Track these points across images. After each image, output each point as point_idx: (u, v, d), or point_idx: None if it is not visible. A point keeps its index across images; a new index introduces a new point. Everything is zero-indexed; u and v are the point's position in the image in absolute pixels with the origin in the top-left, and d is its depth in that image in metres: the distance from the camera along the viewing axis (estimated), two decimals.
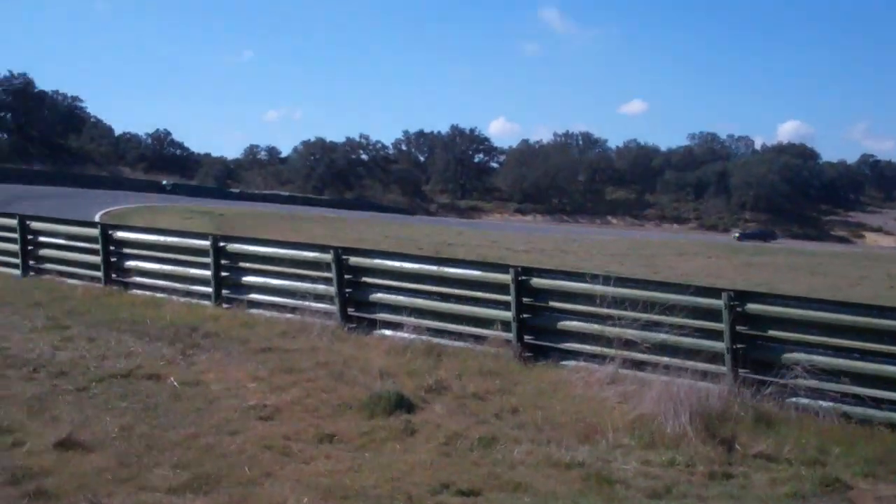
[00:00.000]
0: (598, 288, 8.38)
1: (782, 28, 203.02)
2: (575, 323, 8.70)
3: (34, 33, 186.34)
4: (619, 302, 8.22)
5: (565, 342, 8.75)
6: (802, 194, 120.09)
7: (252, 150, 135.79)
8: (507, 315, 8.99)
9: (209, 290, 11.46)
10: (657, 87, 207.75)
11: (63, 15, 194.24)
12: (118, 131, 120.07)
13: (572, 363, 8.55)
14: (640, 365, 8.07)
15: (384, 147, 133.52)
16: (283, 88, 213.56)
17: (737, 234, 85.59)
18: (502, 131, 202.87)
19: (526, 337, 8.98)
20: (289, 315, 10.42)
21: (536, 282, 8.97)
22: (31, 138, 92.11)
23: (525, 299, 8.97)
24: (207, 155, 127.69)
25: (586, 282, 8.59)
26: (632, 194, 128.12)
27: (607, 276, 8.49)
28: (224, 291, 11.42)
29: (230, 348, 8.74)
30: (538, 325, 9.00)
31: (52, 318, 9.86)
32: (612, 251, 38.78)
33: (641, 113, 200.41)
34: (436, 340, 9.27)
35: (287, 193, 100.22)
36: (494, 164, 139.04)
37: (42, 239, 13.86)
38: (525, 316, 8.97)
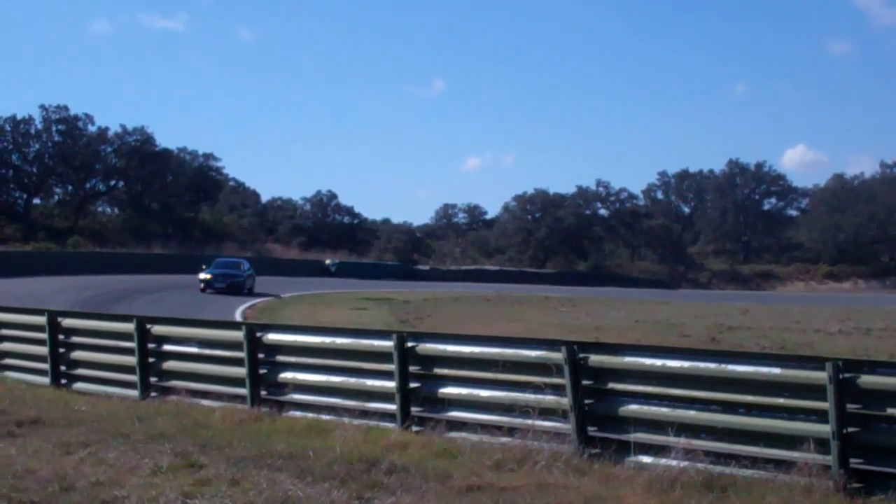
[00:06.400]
0: None
1: None
2: None
3: (155, 75, 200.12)
4: None
5: None
6: None
7: (446, 212, 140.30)
8: (824, 430, 8.72)
9: (393, 407, 11.77)
10: None
11: (193, 48, 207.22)
12: (265, 197, 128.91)
13: None
14: None
15: (632, 197, 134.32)
16: (488, 126, 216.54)
17: None
18: (802, 164, 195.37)
19: (853, 461, 8.66)
20: (505, 439, 10.54)
21: (866, 380, 8.64)
22: (149, 212, 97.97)
23: (850, 406, 8.66)
24: (386, 222, 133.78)
25: None
26: None
27: None
28: (414, 409, 11.70)
29: (424, 488, 8.82)
30: (872, 443, 8.68)
31: (181, 453, 10.19)
32: None
33: None
34: (718, 469, 9.17)
35: (495, 268, 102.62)
36: (793, 212, 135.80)
37: (167, 347, 14.60)
38: (851, 430, 8.66)
